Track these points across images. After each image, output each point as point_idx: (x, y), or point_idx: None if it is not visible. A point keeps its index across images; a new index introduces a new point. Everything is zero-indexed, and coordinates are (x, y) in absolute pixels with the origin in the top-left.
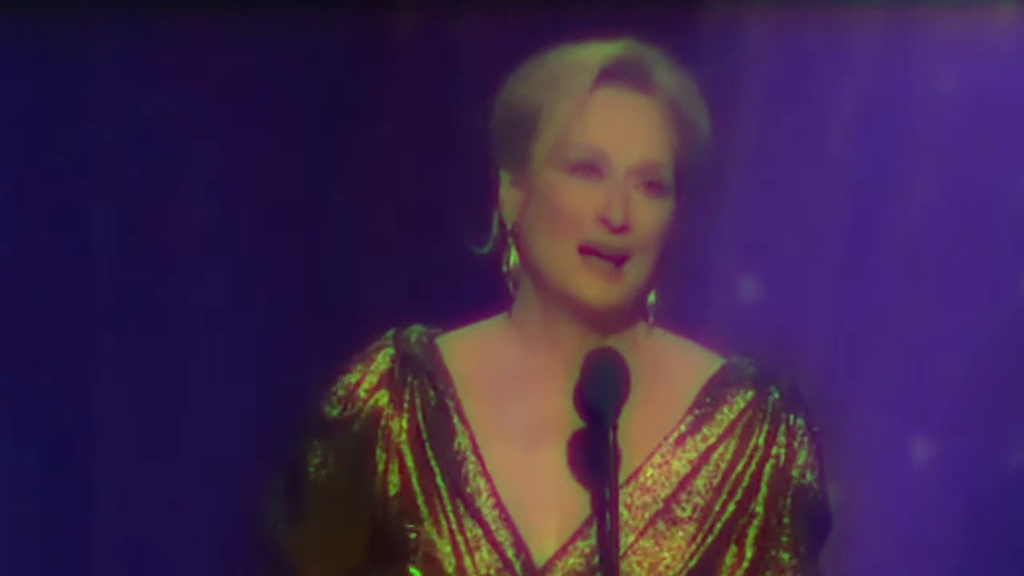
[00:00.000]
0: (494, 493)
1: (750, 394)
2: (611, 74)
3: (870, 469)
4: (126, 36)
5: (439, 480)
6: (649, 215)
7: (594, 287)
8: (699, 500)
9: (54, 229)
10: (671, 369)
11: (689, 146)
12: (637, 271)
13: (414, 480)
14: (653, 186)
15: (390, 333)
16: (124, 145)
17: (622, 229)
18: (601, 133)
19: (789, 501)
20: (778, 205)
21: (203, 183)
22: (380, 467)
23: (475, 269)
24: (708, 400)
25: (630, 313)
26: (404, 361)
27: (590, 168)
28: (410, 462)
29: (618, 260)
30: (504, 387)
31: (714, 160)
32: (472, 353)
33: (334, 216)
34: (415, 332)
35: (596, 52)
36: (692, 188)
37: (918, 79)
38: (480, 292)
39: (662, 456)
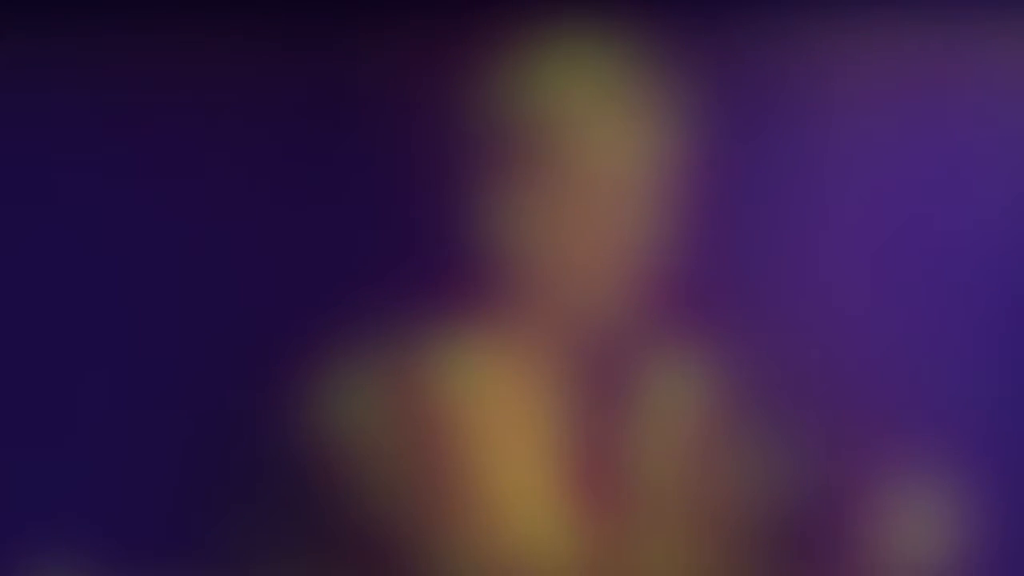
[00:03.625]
0: (489, 522)
1: (743, 404)
2: (630, 94)
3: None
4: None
5: (432, 505)
6: (660, 235)
7: (606, 307)
8: (713, 516)
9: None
10: (670, 384)
11: (691, 157)
12: (626, 273)
13: (406, 503)
14: (666, 206)
15: (373, 342)
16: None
17: (639, 256)
18: (623, 158)
19: (778, 512)
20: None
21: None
22: (370, 488)
23: (457, 270)
24: (709, 414)
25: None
26: (393, 375)
27: (611, 193)
28: (404, 485)
29: (632, 282)
30: (501, 406)
31: (712, 167)
32: (465, 367)
33: (310, 212)
34: (401, 341)
35: (612, 70)
36: (691, 198)
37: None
38: (462, 294)
39: (675, 476)
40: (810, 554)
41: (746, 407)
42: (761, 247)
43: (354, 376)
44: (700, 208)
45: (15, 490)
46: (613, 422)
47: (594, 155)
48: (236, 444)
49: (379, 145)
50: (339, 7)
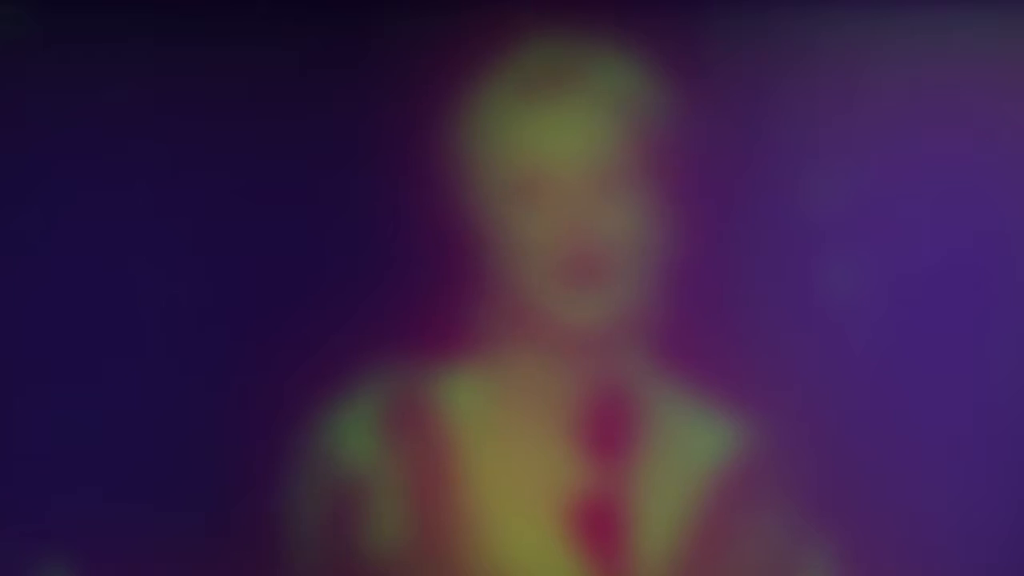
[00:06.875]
0: (491, 561)
1: (753, 467)
2: (543, 81)
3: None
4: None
5: (434, 536)
6: (611, 223)
7: (572, 308)
8: (720, 564)
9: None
10: (678, 436)
11: (647, 137)
12: (617, 289)
13: (409, 534)
14: (610, 191)
15: (376, 373)
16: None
17: (584, 245)
18: (540, 147)
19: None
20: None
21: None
22: (371, 518)
23: (465, 307)
24: (717, 474)
25: (624, 347)
26: (396, 408)
27: (537, 187)
28: (405, 516)
29: (591, 277)
30: (502, 437)
31: (690, 146)
32: (468, 397)
33: (311, 240)
34: (404, 372)
35: (519, 61)
36: (665, 182)
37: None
38: (469, 332)
39: (671, 535)
40: None
41: (758, 456)
42: (767, 280)
43: (360, 414)
44: (702, 231)
45: (18, 500)
46: (618, 462)
47: (591, 181)
48: (242, 478)
49: (379, 187)
50: (328, 25)
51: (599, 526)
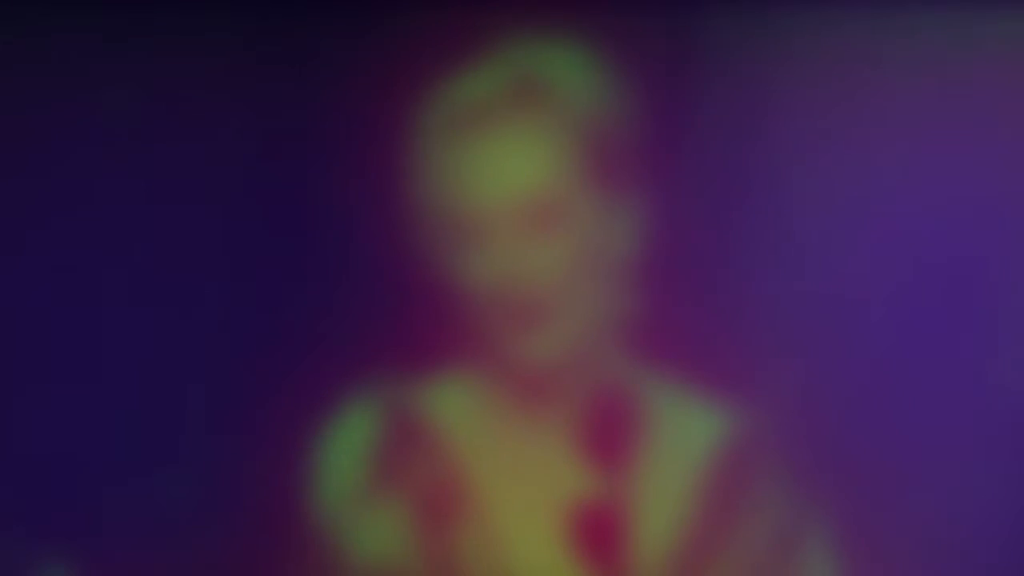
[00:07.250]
0: (491, 565)
1: (748, 456)
2: (497, 103)
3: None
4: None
5: (436, 543)
6: (549, 257)
7: (519, 345)
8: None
9: None
10: (671, 432)
11: (605, 151)
12: (567, 321)
13: (409, 549)
14: (550, 221)
15: (367, 388)
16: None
17: (522, 286)
18: (475, 182)
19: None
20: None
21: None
22: (371, 532)
23: (455, 320)
24: (712, 467)
25: (615, 347)
26: (391, 424)
27: (473, 225)
28: (406, 524)
29: (533, 314)
30: (498, 442)
31: (685, 144)
32: (461, 405)
33: (305, 271)
34: (395, 386)
35: (475, 83)
36: (625, 196)
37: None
38: (459, 344)
39: (671, 530)
40: None
41: (753, 443)
42: (765, 277)
43: (356, 427)
44: (687, 232)
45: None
46: (616, 461)
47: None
48: (242, 479)
49: (360, 200)
50: (321, 25)
51: (599, 526)
